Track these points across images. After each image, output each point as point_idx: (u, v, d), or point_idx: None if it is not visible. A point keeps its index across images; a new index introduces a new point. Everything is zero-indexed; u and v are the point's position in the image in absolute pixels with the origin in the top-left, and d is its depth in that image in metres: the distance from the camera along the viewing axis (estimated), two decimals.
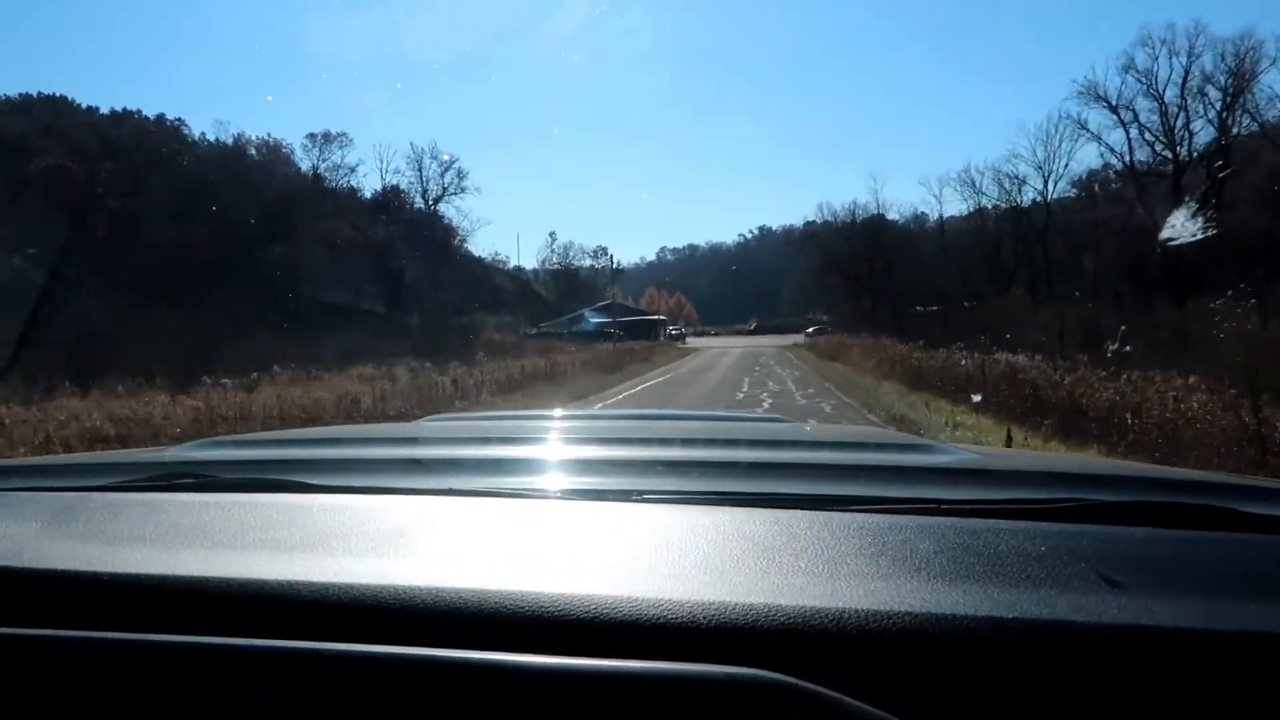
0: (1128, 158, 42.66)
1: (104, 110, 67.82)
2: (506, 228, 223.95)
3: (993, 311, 33.13)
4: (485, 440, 1.54)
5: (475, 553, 0.84)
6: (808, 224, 61.19)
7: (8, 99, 68.14)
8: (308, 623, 0.69)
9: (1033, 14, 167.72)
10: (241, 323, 41.63)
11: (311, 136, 76.36)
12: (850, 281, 52.93)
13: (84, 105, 69.55)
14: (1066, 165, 47.39)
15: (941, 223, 52.96)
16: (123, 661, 0.64)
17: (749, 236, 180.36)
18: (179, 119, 71.56)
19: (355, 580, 0.72)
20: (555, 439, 1.54)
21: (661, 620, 0.68)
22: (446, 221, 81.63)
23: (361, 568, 0.76)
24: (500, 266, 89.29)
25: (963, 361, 16.76)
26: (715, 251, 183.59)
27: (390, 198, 74.00)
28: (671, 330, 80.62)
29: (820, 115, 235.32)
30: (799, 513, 0.92)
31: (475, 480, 1.11)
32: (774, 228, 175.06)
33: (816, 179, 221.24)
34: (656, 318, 79.50)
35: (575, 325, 72.35)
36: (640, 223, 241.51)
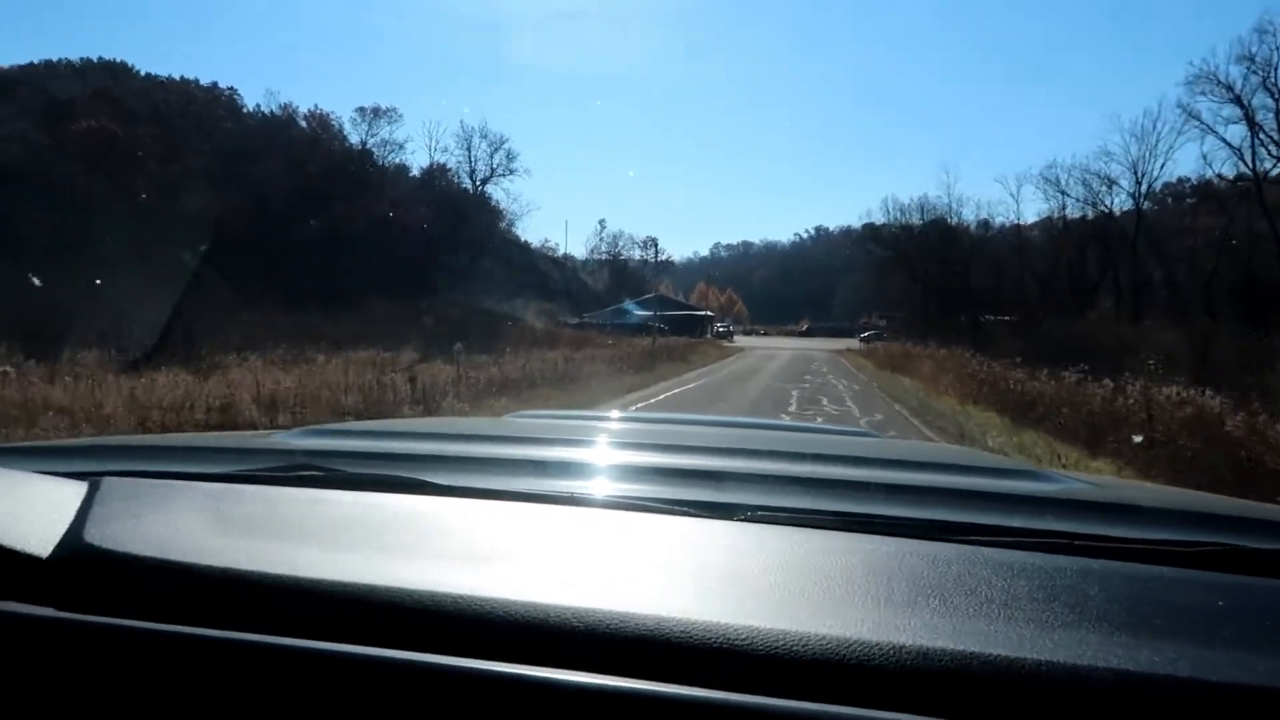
0: (1240, 156, 36.81)
1: (162, 77, 65.73)
2: (557, 214, 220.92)
3: (1089, 328, 28.36)
4: (587, 443, 1.46)
5: (592, 567, 0.81)
6: (866, 226, 55.99)
7: (69, 63, 66.70)
8: (442, 636, 0.67)
9: None
10: (256, 296, 38.58)
11: (361, 110, 73.67)
12: (916, 283, 48.01)
13: (142, 73, 67.49)
14: (1163, 166, 41.95)
15: (1018, 224, 47.93)
16: (280, 667, 0.64)
17: (805, 236, 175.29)
18: (231, 88, 69.06)
19: (493, 595, 0.70)
20: (638, 442, 1.51)
21: (803, 655, 0.64)
22: (493, 204, 78.47)
23: (500, 582, 0.73)
24: (549, 254, 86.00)
25: (1117, 398, 11.54)
26: (770, 250, 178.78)
27: (436, 176, 70.87)
28: (719, 327, 76.41)
29: (886, 111, 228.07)
30: (921, 543, 0.86)
31: (590, 486, 1.09)
32: (831, 228, 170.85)
33: (878, 179, 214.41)
34: (703, 313, 75.24)
35: (618, 317, 68.70)
36: (695, 217, 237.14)
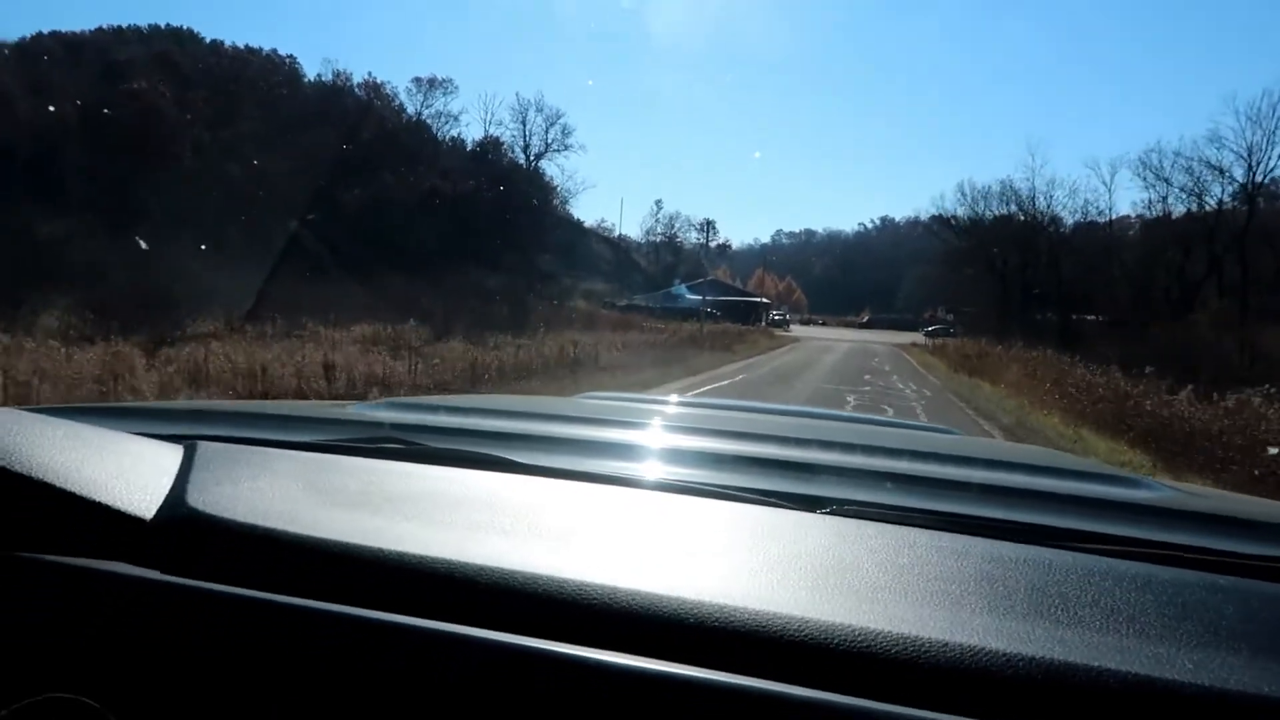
0: None
1: (226, 44, 64.22)
2: (613, 194, 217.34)
3: (1196, 331, 23.94)
4: (664, 428, 1.46)
5: (681, 555, 0.78)
6: (935, 216, 51.10)
7: (137, 29, 65.58)
8: (526, 616, 0.66)
9: None
10: (286, 266, 36.32)
11: (417, 81, 71.40)
12: (993, 275, 43.10)
13: (208, 39, 66.02)
14: None
15: (1110, 215, 41.94)
16: (371, 639, 0.64)
17: (870, 226, 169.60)
18: (291, 56, 67.25)
19: (577, 577, 0.69)
20: (716, 429, 1.48)
21: (921, 660, 0.60)
22: (547, 180, 75.55)
23: (585, 564, 0.72)
24: (604, 234, 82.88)
25: None
26: (833, 239, 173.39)
27: (489, 149, 68.15)
28: (774, 315, 72.36)
29: (962, 94, 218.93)
30: (1030, 548, 0.81)
31: (674, 472, 1.08)
32: (897, 219, 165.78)
33: (950, 168, 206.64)
34: (758, 300, 71.21)
35: (669, 300, 65.41)
36: (757, 203, 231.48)
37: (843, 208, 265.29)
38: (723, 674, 0.59)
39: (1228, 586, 0.75)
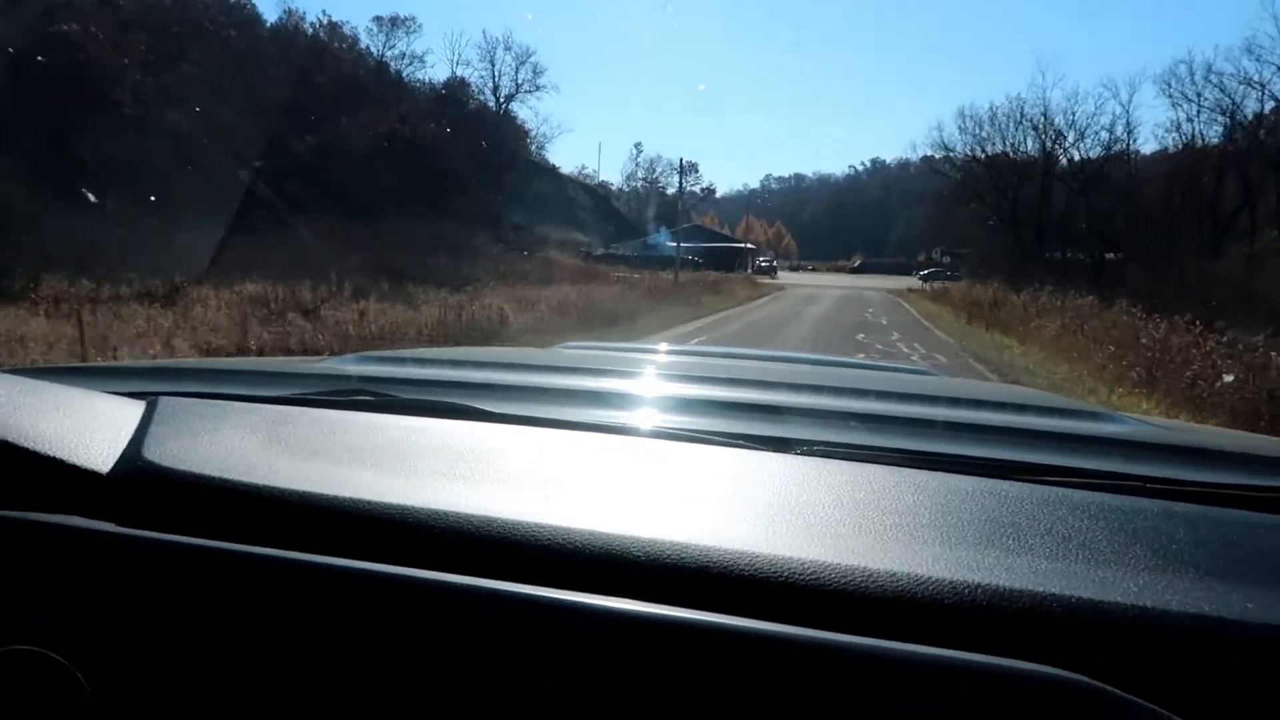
0: None
1: None
2: (594, 140, 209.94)
3: (1238, 270, 19.54)
4: (638, 375, 1.43)
5: (647, 497, 0.79)
6: (932, 153, 45.87)
7: None
8: (494, 560, 0.65)
9: None
10: (232, 219, 32.20)
11: (378, 20, 65.62)
12: (1004, 210, 37.68)
13: None
14: None
15: (1128, 140, 35.00)
16: (331, 586, 0.63)
17: (860, 169, 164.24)
18: None
19: (547, 521, 0.68)
20: (691, 375, 1.46)
21: (872, 591, 0.60)
22: (519, 123, 70.22)
23: (553, 509, 0.71)
24: (586, 181, 77.78)
25: None
26: (823, 182, 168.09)
27: (454, 91, 62.72)
28: (760, 261, 67.62)
29: (958, 18, 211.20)
30: (991, 480, 0.82)
31: (643, 417, 1.07)
32: (887, 160, 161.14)
33: (944, 104, 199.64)
34: (743, 246, 66.45)
35: (648, 248, 60.83)
36: (745, 149, 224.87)
37: (833, 150, 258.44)
38: (674, 609, 0.59)
39: (1181, 513, 0.74)
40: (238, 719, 0.63)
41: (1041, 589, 0.59)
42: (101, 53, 42.57)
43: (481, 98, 65.48)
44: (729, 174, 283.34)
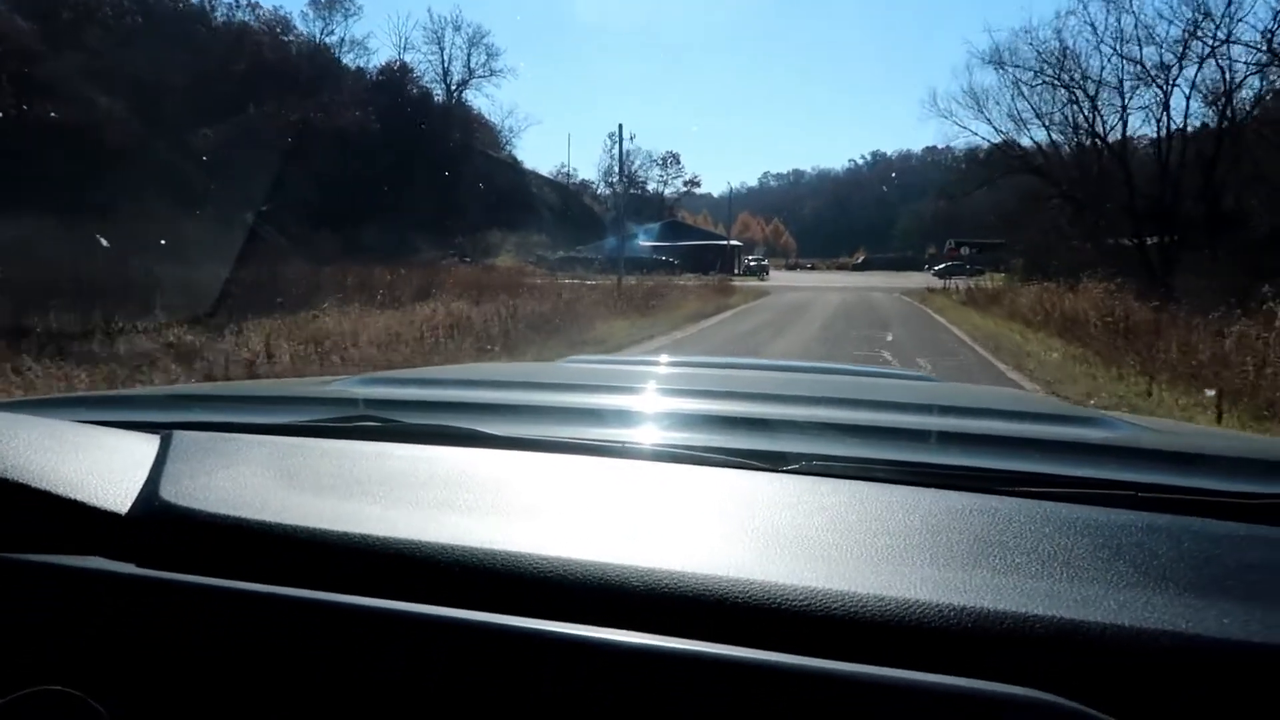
0: None
1: None
2: (579, 143, 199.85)
3: None
4: (641, 390, 1.42)
5: (647, 523, 0.78)
6: (951, 121, 35.62)
7: None
8: (503, 594, 0.65)
9: None
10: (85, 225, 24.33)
11: (314, 3, 56.60)
12: (1052, 190, 26.40)
13: None
14: None
15: (1229, 95, 22.06)
16: (352, 625, 0.63)
17: (860, 162, 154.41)
18: None
19: (551, 553, 0.67)
20: (693, 389, 1.46)
21: (862, 617, 0.60)
22: (476, 113, 60.93)
23: (556, 539, 0.70)
24: (564, 180, 68.54)
25: None
26: (822, 178, 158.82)
27: (393, 78, 53.43)
28: (750, 260, 58.12)
29: (960, 14, 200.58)
30: (981, 497, 0.81)
31: (644, 434, 1.07)
32: (888, 153, 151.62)
33: (945, 100, 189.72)
34: (728, 243, 56.67)
35: (619, 249, 51.54)
36: (743, 147, 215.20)
37: (832, 145, 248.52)
38: (670, 640, 0.59)
39: (1163, 525, 0.73)
40: None
41: (1025, 609, 0.58)
42: None
43: (424, 84, 56.21)
44: (728, 172, 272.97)
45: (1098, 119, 25.41)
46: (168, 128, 39.15)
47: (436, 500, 0.78)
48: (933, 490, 0.82)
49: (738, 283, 38.70)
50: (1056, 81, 26.09)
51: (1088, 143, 25.91)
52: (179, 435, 0.91)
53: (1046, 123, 26.66)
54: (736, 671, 0.56)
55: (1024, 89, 26.71)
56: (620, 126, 31.37)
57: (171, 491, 0.76)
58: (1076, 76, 25.77)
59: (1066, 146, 26.99)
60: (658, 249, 51.35)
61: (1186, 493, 0.81)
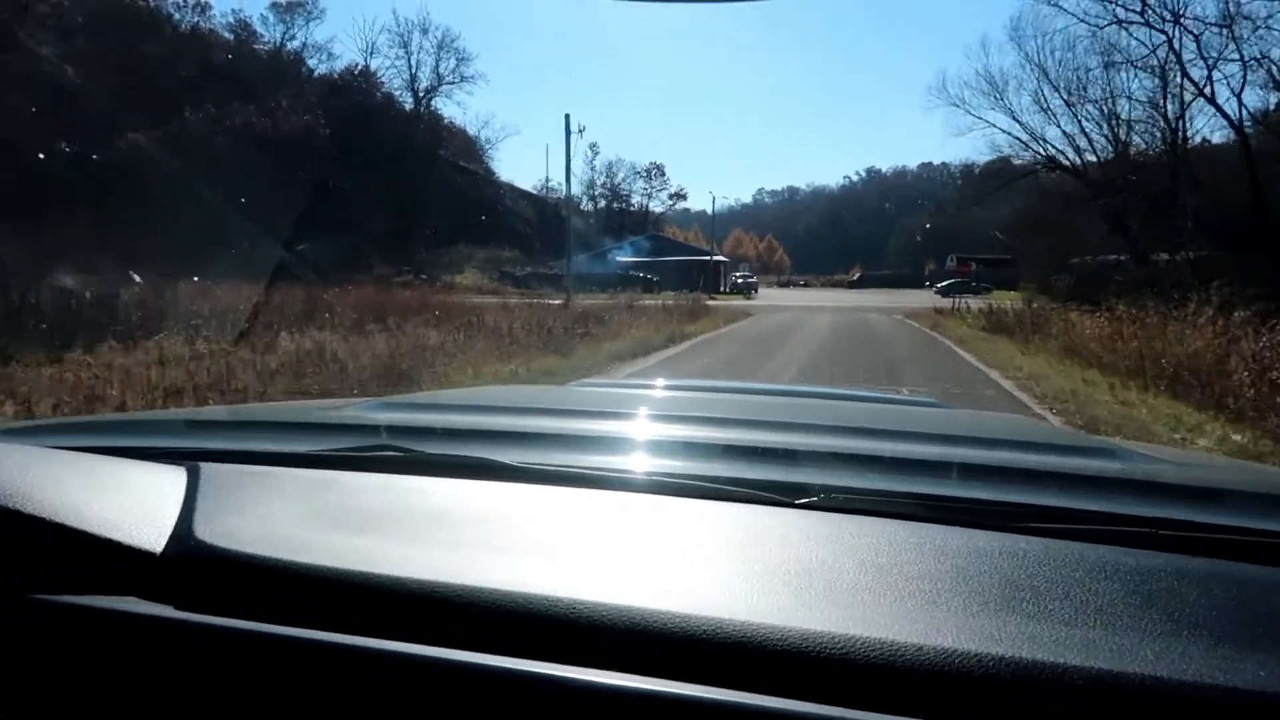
0: None
1: None
2: (561, 153, 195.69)
3: None
4: (655, 417, 1.42)
5: (664, 561, 0.76)
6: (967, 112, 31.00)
7: None
8: (524, 638, 0.64)
9: None
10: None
11: (275, 6, 52.37)
12: (1092, 195, 20.78)
13: None
14: None
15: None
16: (388, 671, 0.63)
17: (855, 179, 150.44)
18: None
19: (566, 595, 0.66)
20: (701, 415, 1.43)
21: (896, 665, 0.58)
22: (447, 121, 56.51)
23: (572, 580, 0.69)
24: (542, 195, 64.12)
25: None
26: (817, 195, 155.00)
27: (353, 82, 48.98)
28: (737, 278, 53.29)
29: (956, 27, 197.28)
30: (1007, 536, 0.79)
31: (655, 464, 1.05)
32: (883, 169, 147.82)
33: (939, 115, 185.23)
34: (709, 258, 51.91)
35: (596, 264, 46.96)
36: (738, 163, 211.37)
37: (827, 161, 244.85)
38: (706, 689, 0.58)
39: (1191, 570, 0.72)
40: None
41: (1063, 660, 0.57)
42: None
43: (395, 91, 51.82)
44: (719, 190, 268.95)
45: (1183, 90, 19.04)
46: (88, 130, 34.96)
47: (468, 540, 0.78)
48: (958, 529, 0.80)
49: (718, 302, 33.97)
50: (1141, 18, 19.72)
51: (1154, 132, 19.88)
52: (206, 468, 0.90)
53: (1082, 113, 21.62)
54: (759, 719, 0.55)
55: (1050, 75, 21.77)
56: (567, 117, 27.16)
57: (205, 531, 0.75)
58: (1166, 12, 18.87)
59: (1109, 137, 21.98)
60: (639, 265, 46.77)
61: (1208, 530, 0.79)
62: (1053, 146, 23.00)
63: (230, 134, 39.02)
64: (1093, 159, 22.33)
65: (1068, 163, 22.42)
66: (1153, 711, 0.55)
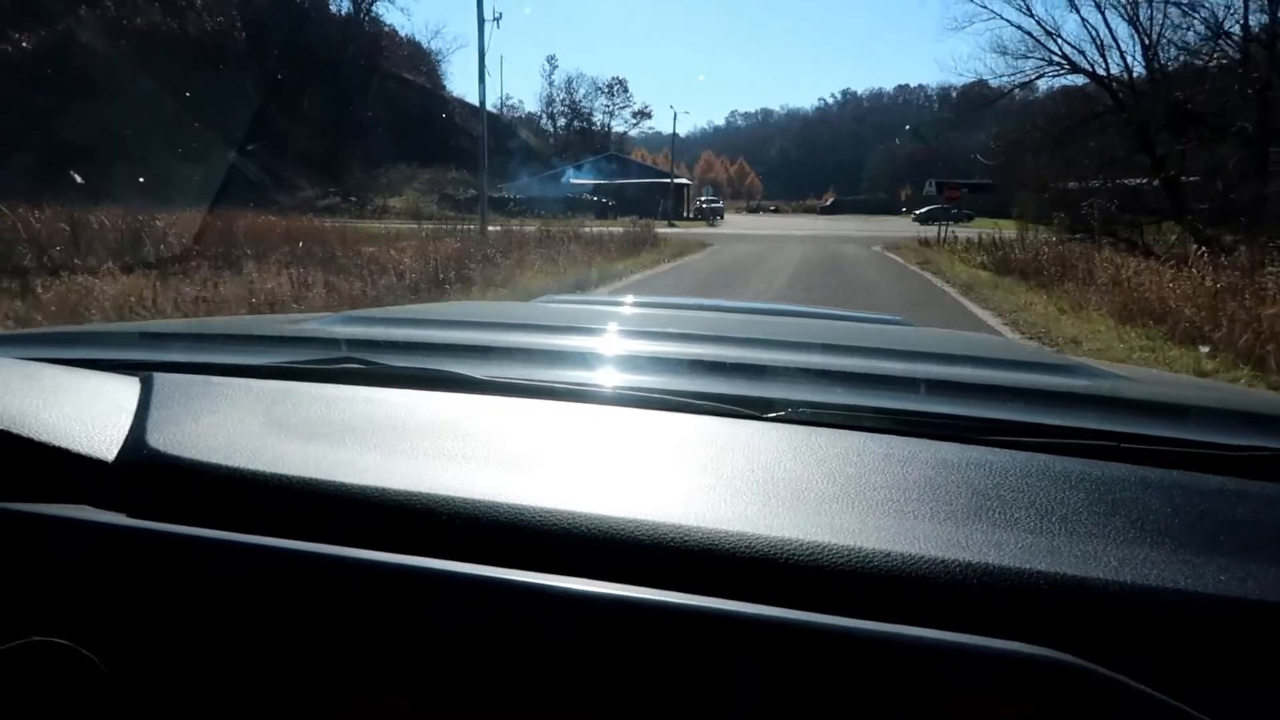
0: None
1: None
2: (525, 71, 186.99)
3: None
4: (622, 332, 1.39)
5: (631, 471, 0.75)
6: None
7: None
8: (484, 545, 0.63)
9: None
10: None
11: None
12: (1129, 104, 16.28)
13: None
14: None
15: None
16: (341, 578, 0.62)
17: (830, 101, 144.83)
18: None
19: (532, 503, 0.66)
20: (675, 332, 1.42)
21: (863, 570, 0.58)
22: (387, 29, 51.08)
23: (539, 489, 0.68)
24: (496, 112, 58.97)
25: None
26: (791, 117, 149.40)
27: None
28: (701, 202, 49.32)
29: None
30: (973, 448, 0.79)
31: (624, 379, 1.02)
32: (859, 91, 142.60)
33: (917, 35, 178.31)
34: (671, 182, 47.79)
35: (550, 187, 42.82)
36: (710, 83, 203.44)
37: (802, 83, 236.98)
38: (675, 594, 0.58)
39: (1155, 480, 0.73)
40: (251, 711, 0.62)
41: (1029, 565, 0.58)
42: None
43: None
44: (695, 111, 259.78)
45: None
46: None
47: (431, 449, 0.76)
48: (925, 441, 0.80)
49: (676, 229, 30.24)
50: None
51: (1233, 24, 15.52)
52: (160, 378, 0.87)
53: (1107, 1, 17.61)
54: (743, 627, 0.55)
55: None
56: (479, 2, 21.74)
57: (158, 439, 0.73)
58: None
59: (1147, 39, 17.87)
60: (596, 189, 42.68)
61: (1171, 444, 0.80)
62: (1069, 44, 19.12)
63: (131, 36, 34.03)
64: (1118, 65, 18.43)
65: (1087, 66, 18.57)
66: (1116, 614, 0.55)
